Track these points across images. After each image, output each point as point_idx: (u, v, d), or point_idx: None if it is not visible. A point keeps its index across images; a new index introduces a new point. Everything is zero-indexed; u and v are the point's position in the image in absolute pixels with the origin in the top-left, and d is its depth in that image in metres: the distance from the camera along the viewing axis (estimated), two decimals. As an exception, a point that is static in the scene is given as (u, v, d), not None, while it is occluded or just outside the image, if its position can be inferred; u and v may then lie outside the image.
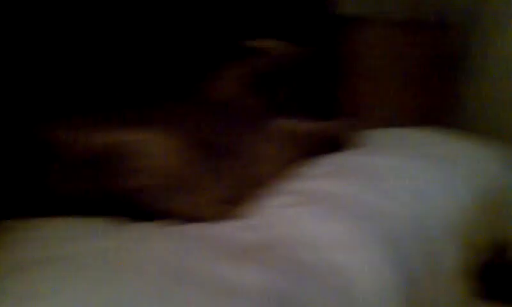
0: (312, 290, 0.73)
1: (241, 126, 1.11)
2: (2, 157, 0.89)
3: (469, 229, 1.04)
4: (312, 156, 1.15)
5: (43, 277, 0.63)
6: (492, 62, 1.73)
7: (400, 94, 1.59)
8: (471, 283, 1.02)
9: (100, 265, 0.67)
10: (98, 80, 1.16)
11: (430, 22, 1.68)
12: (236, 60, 1.26)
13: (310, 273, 0.75)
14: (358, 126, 1.31)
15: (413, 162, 1.11)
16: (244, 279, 0.68)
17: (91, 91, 1.14)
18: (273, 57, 1.28)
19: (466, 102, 1.79)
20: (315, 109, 1.27)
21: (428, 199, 1.02)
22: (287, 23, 1.48)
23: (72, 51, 1.14)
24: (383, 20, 1.57)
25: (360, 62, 1.53)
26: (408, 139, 1.27)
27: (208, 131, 1.04)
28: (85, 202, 0.86)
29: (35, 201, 0.87)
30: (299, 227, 0.86)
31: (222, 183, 0.96)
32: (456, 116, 1.75)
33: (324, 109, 1.29)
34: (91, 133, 0.89)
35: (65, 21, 1.13)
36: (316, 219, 0.89)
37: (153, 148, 0.88)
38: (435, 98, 1.69)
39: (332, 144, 1.20)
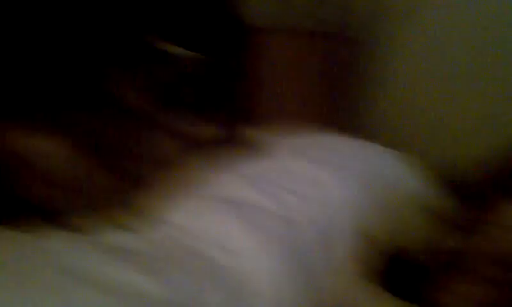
0: (210, 294, 0.74)
1: (144, 131, 1.09)
2: None
3: (365, 225, 1.08)
4: (215, 161, 1.15)
5: None
6: (390, 76, 1.85)
7: (304, 103, 1.63)
8: (369, 277, 1.06)
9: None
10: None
11: (333, 33, 1.74)
12: (144, 63, 1.23)
13: (208, 277, 0.77)
14: (262, 133, 1.32)
15: (314, 166, 1.14)
16: (142, 284, 0.70)
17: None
18: (180, 65, 1.27)
19: (365, 111, 1.89)
20: (219, 117, 1.27)
21: (328, 202, 1.05)
22: (193, 32, 1.46)
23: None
24: (288, 31, 1.61)
25: (265, 72, 1.55)
26: (310, 145, 1.31)
27: (109, 136, 1.02)
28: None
29: None
30: (201, 231, 0.88)
31: (120, 186, 0.95)
32: (355, 124, 1.83)
33: (228, 117, 1.29)
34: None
35: None
36: (218, 223, 0.90)
37: (48, 154, 0.89)
38: (337, 107, 1.76)
39: (236, 150, 1.21)
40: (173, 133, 1.14)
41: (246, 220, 0.90)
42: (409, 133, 1.79)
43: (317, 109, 1.70)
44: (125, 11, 1.34)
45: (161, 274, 0.74)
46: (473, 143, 1.69)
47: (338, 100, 1.79)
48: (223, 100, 1.34)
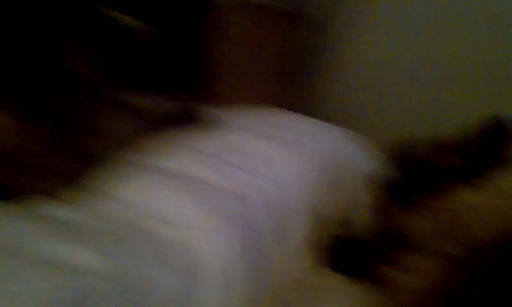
0: (157, 271, 0.74)
1: (91, 100, 1.06)
2: None
3: (316, 203, 1.09)
4: (164, 133, 1.13)
5: None
6: (345, 59, 1.86)
7: (260, 81, 1.63)
8: (320, 254, 1.07)
9: None
10: None
11: (292, 12, 1.73)
12: (92, 30, 1.19)
13: (156, 254, 0.76)
14: (216, 109, 1.31)
15: (264, 142, 1.14)
16: (86, 259, 0.69)
17: None
18: (128, 34, 1.24)
19: (321, 91, 1.90)
20: (172, 92, 1.24)
21: (281, 180, 1.04)
22: (150, 4, 1.42)
23: None
24: (247, 6, 1.58)
25: (223, 46, 1.53)
26: (261, 120, 1.30)
27: (55, 106, 1.00)
28: None
29: None
30: (150, 207, 0.86)
31: (66, 158, 0.94)
32: (310, 104, 1.85)
33: (181, 93, 1.27)
34: None
35: None
36: (168, 199, 0.89)
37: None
38: (292, 86, 1.76)
39: (186, 123, 1.19)
40: (126, 108, 1.11)
41: (196, 196, 0.89)
42: (364, 113, 1.82)
43: (273, 87, 1.69)
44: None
45: (105, 249, 0.72)
46: (426, 124, 1.72)
47: (294, 79, 1.79)
48: (172, 73, 1.32)
